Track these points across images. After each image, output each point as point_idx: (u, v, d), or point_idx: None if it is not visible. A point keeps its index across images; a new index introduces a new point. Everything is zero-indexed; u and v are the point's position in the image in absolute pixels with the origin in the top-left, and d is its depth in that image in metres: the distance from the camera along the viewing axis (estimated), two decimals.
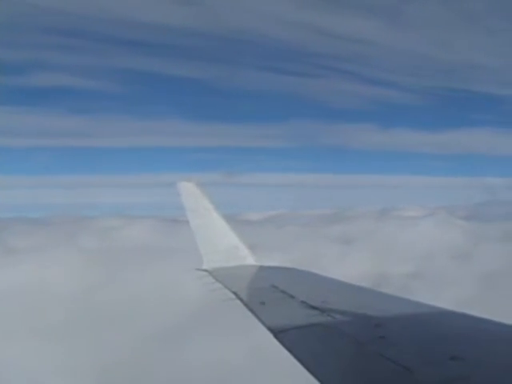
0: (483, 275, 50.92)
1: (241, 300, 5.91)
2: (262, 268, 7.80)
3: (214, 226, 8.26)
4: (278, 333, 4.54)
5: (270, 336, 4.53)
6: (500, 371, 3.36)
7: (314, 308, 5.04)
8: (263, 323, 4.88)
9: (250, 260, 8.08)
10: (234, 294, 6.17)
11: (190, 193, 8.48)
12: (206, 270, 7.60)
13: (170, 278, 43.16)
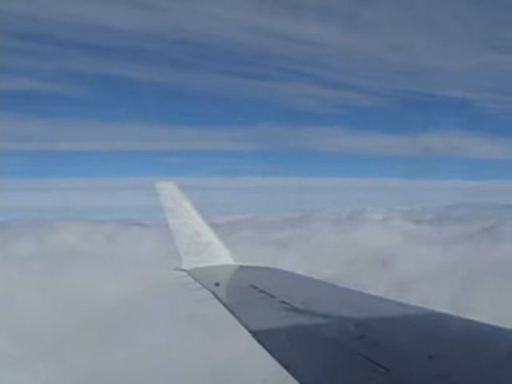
0: (399, 281, 53.34)
1: (219, 300, 5.92)
2: (241, 268, 7.82)
3: (193, 227, 8.26)
4: (257, 333, 4.55)
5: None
6: (477, 369, 3.39)
7: (293, 308, 5.06)
8: (242, 323, 4.89)
9: (229, 260, 8.10)
10: (213, 293, 6.17)
11: (170, 193, 8.48)
12: (184, 270, 7.61)
13: (75, 286, 43.03)
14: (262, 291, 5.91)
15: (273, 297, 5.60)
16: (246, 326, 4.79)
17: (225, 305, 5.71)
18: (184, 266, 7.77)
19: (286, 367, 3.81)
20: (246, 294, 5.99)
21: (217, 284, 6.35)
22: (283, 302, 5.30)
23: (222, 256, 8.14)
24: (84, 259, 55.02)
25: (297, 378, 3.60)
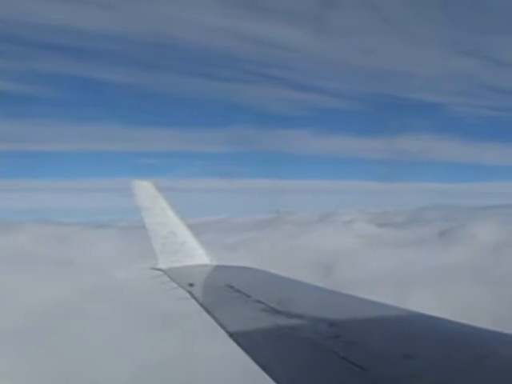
0: (336, 284, 54.07)
1: (195, 299, 5.92)
2: (217, 267, 7.86)
3: (169, 226, 8.27)
4: (234, 333, 4.55)
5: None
6: (452, 369, 3.43)
7: (269, 308, 5.07)
8: (219, 323, 4.89)
9: (205, 259, 8.13)
10: (189, 293, 6.17)
11: (145, 192, 8.47)
12: (160, 270, 7.60)
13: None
14: (237, 291, 5.93)
15: (249, 296, 5.63)
16: (222, 326, 4.80)
17: (200, 304, 5.72)
18: (160, 266, 7.77)
19: (263, 367, 3.81)
20: (221, 294, 6.01)
21: (190, 285, 6.37)
22: (259, 302, 5.31)
23: (197, 255, 8.17)
24: (33, 262, 53.87)
25: (274, 378, 3.60)
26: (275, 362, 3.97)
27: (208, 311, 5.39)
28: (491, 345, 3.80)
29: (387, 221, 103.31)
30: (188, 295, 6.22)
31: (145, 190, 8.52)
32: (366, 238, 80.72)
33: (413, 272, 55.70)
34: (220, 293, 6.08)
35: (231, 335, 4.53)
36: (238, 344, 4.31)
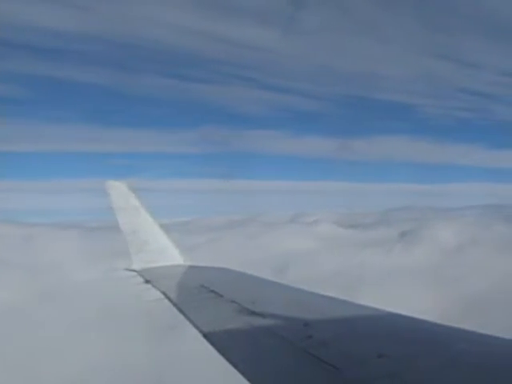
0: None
1: (170, 300, 5.92)
2: (191, 268, 7.85)
3: (143, 226, 8.23)
4: (208, 333, 4.55)
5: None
6: (425, 368, 3.45)
7: (243, 308, 5.07)
8: (192, 323, 4.89)
9: (179, 260, 8.12)
10: (163, 293, 6.16)
11: (119, 193, 8.41)
12: (134, 270, 7.57)
13: None
14: (212, 291, 5.94)
15: (222, 296, 5.64)
16: (196, 327, 4.80)
17: (174, 305, 5.73)
18: (134, 266, 7.74)
19: (236, 366, 3.81)
20: (195, 294, 5.99)
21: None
22: (233, 302, 5.33)
23: (171, 256, 8.16)
24: None
25: (247, 379, 3.59)
26: (249, 362, 3.97)
27: (182, 311, 5.39)
28: (464, 344, 3.84)
29: (355, 222, 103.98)
30: (162, 295, 6.22)
31: (118, 190, 8.48)
32: (327, 240, 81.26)
33: (363, 272, 56.10)
34: (194, 293, 6.07)
35: (205, 336, 4.53)
36: (212, 344, 4.32)
